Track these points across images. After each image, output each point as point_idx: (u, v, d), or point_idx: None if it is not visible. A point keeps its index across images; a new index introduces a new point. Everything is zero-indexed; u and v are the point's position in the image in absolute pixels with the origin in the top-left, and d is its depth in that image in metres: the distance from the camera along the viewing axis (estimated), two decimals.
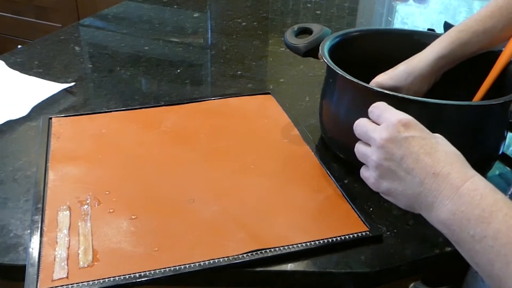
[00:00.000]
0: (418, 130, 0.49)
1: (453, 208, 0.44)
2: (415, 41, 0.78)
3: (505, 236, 0.40)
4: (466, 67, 0.74)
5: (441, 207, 0.45)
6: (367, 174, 0.53)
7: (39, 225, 0.59)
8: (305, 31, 0.79)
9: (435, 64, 0.68)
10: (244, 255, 0.56)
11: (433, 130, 0.63)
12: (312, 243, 0.58)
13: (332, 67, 0.67)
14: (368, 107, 0.66)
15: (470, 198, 0.43)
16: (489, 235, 0.41)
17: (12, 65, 0.98)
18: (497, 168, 0.74)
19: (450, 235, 0.45)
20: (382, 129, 0.50)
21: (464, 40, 0.67)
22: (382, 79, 0.70)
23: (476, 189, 0.44)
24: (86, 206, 0.63)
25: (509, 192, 0.62)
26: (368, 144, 0.52)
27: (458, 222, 0.43)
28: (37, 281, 0.52)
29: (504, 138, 0.68)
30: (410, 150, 0.47)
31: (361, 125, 0.53)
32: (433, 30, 1.10)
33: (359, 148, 0.53)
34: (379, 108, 0.52)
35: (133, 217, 0.61)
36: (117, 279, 0.53)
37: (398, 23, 1.36)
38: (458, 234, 0.43)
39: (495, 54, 0.69)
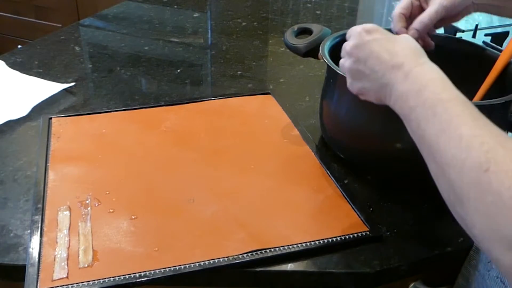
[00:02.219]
0: (379, 33, 0.55)
1: (402, 90, 0.49)
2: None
3: (429, 101, 0.46)
4: (466, 67, 0.74)
5: (395, 92, 0.50)
6: (347, 76, 0.59)
7: (39, 225, 0.59)
8: (305, 31, 0.79)
9: None
10: (244, 255, 0.56)
11: None
12: (312, 243, 0.58)
13: (332, 67, 0.67)
14: (369, 107, 0.67)
15: (414, 78, 0.49)
16: (420, 103, 0.46)
17: (12, 65, 0.98)
18: None
19: (401, 116, 0.50)
20: (350, 39, 0.57)
21: None
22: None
23: (421, 71, 0.49)
24: (86, 206, 0.63)
25: None
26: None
27: (404, 101, 0.49)
28: (37, 281, 0.52)
29: None
30: (372, 50, 0.54)
31: (343, 49, 0.59)
32: None
33: (340, 63, 0.60)
34: (351, 29, 0.59)
35: (133, 217, 0.61)
36: (117, 279, 0.53)
37: None
38: (403, 111, 0.49)
39: (495, 54, 0.69)
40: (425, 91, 0.47)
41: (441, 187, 0.44)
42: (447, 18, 0.69)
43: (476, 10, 0.69)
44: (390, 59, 0.52)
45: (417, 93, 0.47)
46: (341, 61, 0.60)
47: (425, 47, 0.69)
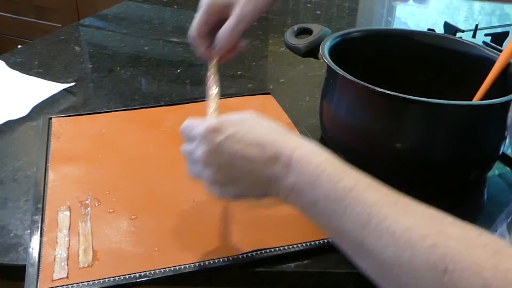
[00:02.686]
0: (228, 128, 0.47)
1: (290, 185, 0.43)
2: (415, 41, 0.79)
3: (332, 193, 0.40)
4: (466, 67, 0.74)
5: (282, 187, 0.44)
6: (212, 190, 0.50)
7: (39, 225, 0.59)
8: (305, 31, 0.79)
9: None
10: (244, 255, 0.56)
11: (433, 130, 0.64)
12: (312, 243, 0.58)
13: (332, 67, 0.67)
14: (369, 107, 0.67)
15: (299, 169, 0.43)
16: (321, 198, 0.41)
17: (12, 65, 0.98)
18: (497, 168, 0.74)
19: (298, 208, 0.44)
20: (198, 146, 0.48)
21: None
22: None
23: (302, 157, 0.43)
24: (86, 206, 0.63)
25: (508, 220, 0.60)
26: (195, 165, 0.50)
27: (297, 194, 0.43)
28: (37, 281, 0.52)
29: (504, 138, 0.68)
30: (232, 151, 0.46)
31: (183, 152, 0.52)
32: (433, 30, 1.11)
33: (190, 172, 0.51)
34: (187, 128, 0.51)
35: (133, 217, 0.61)
36: (117, 279, 0.53)
37: (398, 23, 1.36)
38: (300, 204, 0.43)
39: (495, 54, 0.69)
40: (320, 182, 0.41)
41: None
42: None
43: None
44: (259, 154, 0.45)
45: (311, 186, 0.42)
46: (196, 171, 0.50)
47: (238, 50, 0.66)
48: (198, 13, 0.61)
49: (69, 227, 0.59)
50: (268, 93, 0.90)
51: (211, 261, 0.55)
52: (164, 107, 0.85)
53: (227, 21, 0.60)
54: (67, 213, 0.62)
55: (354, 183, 0.40)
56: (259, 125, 0.48)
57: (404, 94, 0.61)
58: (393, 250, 0.35)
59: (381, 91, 0.62)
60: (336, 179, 0.41)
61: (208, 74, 0.59)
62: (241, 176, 0.46)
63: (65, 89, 0.90)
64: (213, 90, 0.58)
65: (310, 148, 0.44)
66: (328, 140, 0.76)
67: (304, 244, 0.58)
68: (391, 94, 0.61)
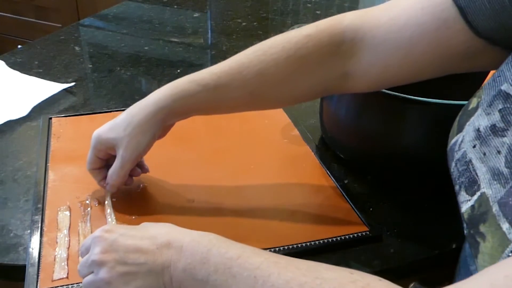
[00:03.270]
0: (121, 228, 0.48)
1: (183, 265, 0.44)
2: None
3: (221, 265, 0.42)
4: None
5: (176, 271, 0.44)
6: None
7: (39, 225, 0.59)
8: None
9: (153, 115, 0.59)
10: None
11: (433, 130, 0.64)
12: (312, 243, 0.58)
13: None
14: (369, 107, 0.67)
15: (191, 249, 0.44)
16: (212, 271, 0.42)
17: (12, 65, 0.98)
18: None
19: None
20: (93, 249, 0.47)
21: (190, 92, 0.59)
22: (102, 131, 0.63)
23: (193, 240, 0.45)
24: (86, 207, 0.63)
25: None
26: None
27: (189, 274, 0.43)
28: (37, 281, 0.52)
29: None
30: (125, 245, 0.46)
31: (80, 270, 0.49)
32: None
33: (83, 273, 0.48)
34: (83, 244, 0.50)
35: (133, 217, 0.61)
36: None
37: None
38: (194, 284, 0.43)
39: None
40: (211, 257, 0.42)
41: None
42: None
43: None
44: (151, 243, 0.46)
45: (202, 262, 0.43)
46: (87, 279, 0.47)
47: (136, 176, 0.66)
48: (90, 148, 0.64)
49: (69, 227, 0.59)
50: None
51: None
52: None
53: (114, 163, 0.62)
54: (67, 213, 0.62)
55: (240, 251, 0.42)
56: (152, 225, 0.49)
57: (404, 94, 0.61)
58: None
59: (381, 91, 0.62)
60: (224, 250, 0.43)
61: (105, 203, 0.63)
62: (135, 271, 0.45)
63: (65, 89, 0.90)
64: (109, 218, 0.61)
65: (199, 233, 0.46)
66: (328, 140, 0.76)
67: (304, 244, 0.58)
68: (391, 94, 0.61)
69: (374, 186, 0.69)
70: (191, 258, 0.43)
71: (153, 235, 0.46)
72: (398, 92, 0.61)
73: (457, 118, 0.47)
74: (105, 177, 0.63)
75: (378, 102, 0.65)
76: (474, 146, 0.42)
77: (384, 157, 0.68)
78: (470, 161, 0.42)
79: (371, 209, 0.64)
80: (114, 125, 0.62)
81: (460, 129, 0.45)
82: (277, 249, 0.57)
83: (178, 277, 0.44)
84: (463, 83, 0.72)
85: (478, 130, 0.42)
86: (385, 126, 0.66)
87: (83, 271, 0.48)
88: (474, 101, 0.45)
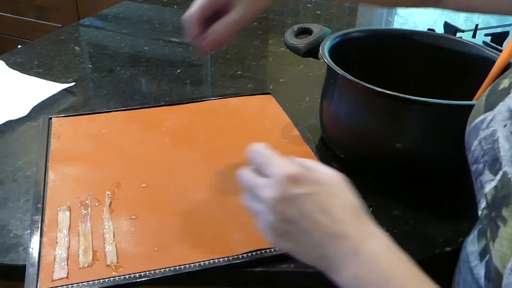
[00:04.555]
0: (310, 184, 0.44)
1: (355, 272, 0.42)
2: (415, 41, 0.79)
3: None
4: (466, 67, 0.74)
5: (344, 270, 0.42)
6: (263, 230, 0.47)
7: (39, 225, 0.59)
8: (305, 31, 0.79)
9: None
10: (244, 255, 0.56)
11: (433, 130, 0.64)
12: None
13: (332, 67, 0.67)
14: (369, 107, 0.67)
15: (368, 261, 0.42)
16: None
17: (12, 65, 0.98)
18: None
19: None
20: (270, 186, 0.45)
21: None
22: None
23: (373, 251, 0.42)
24: (86, 207, 0.63)
25: None
26: (255, 198, 0.47)
27: (363, 285, 0.42)
28: (37, 281, 0.52)
29: None
30: (303, 209, 0.43)
31: (245, 178, 0.48)
32: (433, 30, 1.11)
33: (248, 203, 0.48)
34: (261, 156, 0.47)
35: (133, 217, 0.61)
36: (117, 279, 0.53)
37: (398, 23, 1.36)
38: None
39: (495, 54, 0.69)
40: (389, 286, 0.40)
41: None
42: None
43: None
44: (329, 225, 0.43)
45: (376, 283, 0.41)
46: (256, 207, 0.46)
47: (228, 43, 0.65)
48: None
49: (69, 227, 0.59)
50: (268, 93, 0.90)
51: (211, 261, 0.55)
52: (164, 107, 0.85)
53: (228, 15, 0.60)
54: (67, 213, 0.62)
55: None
56: (340, 197, 0.45)
57: (404, 94, 0.61)
58: None
59: (381, 91, 0.62)
60: (405, 284, 0.40)
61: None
62: (300, 237, 0.44)
63: (65, 89, 0.90)
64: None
65: (381, 242, 0.43)
66: (328, 140, 0.76)
67: None
68: (391, 94, 0.61)
69: (374, 186, 0.69)
70: (365, 271, 0.41)
71: (333, 217, 0.43)
72: (398, 92, 0.61)
73: (483, 98, 0.45)
74: (200, 33, 0.62)
75: (378, 102, 0.65)
76: (504, 126, 0.41)
77: (384, 157, 0.68)
78: (497, 139, 0.41)
79: (371, 209, 0.64)
80: None
81: (489, 108, 0.43)
82: (276, 248, 0.57)
83: (342, 276, 0.43)
84: (463, 83, 0.72)
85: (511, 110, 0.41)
86: (385, 126, 0.66)
87: (245, 186, 0.47)
88: (505, 82, 0.44)
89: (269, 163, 0.46)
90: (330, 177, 0.47)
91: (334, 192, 0.45)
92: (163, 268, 0.54)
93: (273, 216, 0.44)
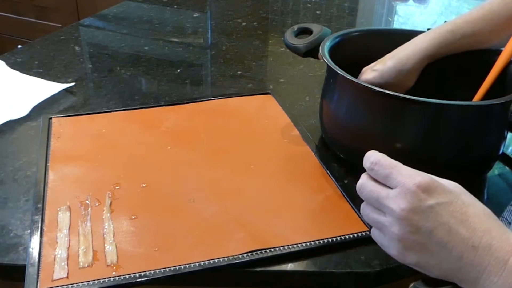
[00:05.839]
0: (441, 194, 0.43)
1: (503, 284, 0.40)
2: None
3: None
4: (465, 67, 0.74)
5: (489, 284, 0.40)
6: (386, 244, 0.46)
7: (39, 225, 0.59)
8: (305, 31, 0.79)
9: (422, 61, 0.69)
10: (244, 255, 0.56)
11: (433, 130, 0.64)
12: (312, 243, 0.58)
13: (332, 67, 0.67)
14: (369, 107, 0.67)
15: None
16: None
17: (12, 65, 0.98)
18: (497, 168, 0.74)
19: None
20: (398, 197, 0.43)
21: (451, 41, 0.68)
22: (372, 77, 0.70)
23: None
24: (86, 207, 0.63)
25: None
26: (378, 210, 0.46)
27: None
28: (37, 281, 0.52)
29: (504, 138, 0.68)
30: (439, 220, 0.42)
31: (368, 190, 0.46)
32: None
33: (369, 214, 0.47)
34: (384, 166, 0.46)
35: (133, 217, 0.61)
36: (117, 279, 0.53)
37: (398, 23, 1.36)
38: None
39: (495, 54, 0.69)
40: None
41: None
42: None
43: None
44: (468, 236, 0.41)
45: None
46: (380, 218, 0.45)
47: None
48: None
49: (69, 227, 0.59)
50: (268, 93, 0.90)
51: (211, 261, 0.55)
52: (164, 107, 0.85)
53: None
54: (67, 213, 0.62)
55: None
56: (474, 205, 0.43)
57: (404, 94, 0.61)
58: None
59: (381, 91, 0.62)
60: None
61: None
62: (435, 250, 0.42)
63: (65, 89, 0.90)
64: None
65: None
66: (328, 140, 0.76)
67: (304, 244, 0.58)
68: (391, 94, 0.61)
69: None
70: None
71: (473, 227, 0.41)
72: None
73: None
74: None
75: (378, 102, 0.65)
76: None
77: None
78: None
79: None
80: (384, 72, 0.70)
81: None
82: (277, 249, 0.57)
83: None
84: (463, 83, 0.72)
85: None
86: (385, 126, 0.66)
87: (366, 196, 0.46)
88: None
89: (394, 172, 0.45)
90: (455, 185, 0.45)
91: (467, 201, 0.43)
92: (163, 268, 0.54)
93: (403, 228, 0.43)
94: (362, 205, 0.48)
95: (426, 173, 0.44)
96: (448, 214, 0.42)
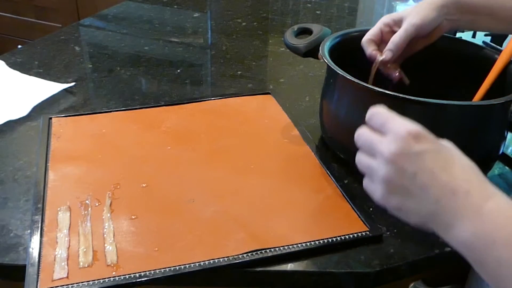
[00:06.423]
0: (430, 142, 0.44)
1: (476, 230, 0.41)
2: None
3: None
4: (466, 67, 0.74)
5: (461, 228, 0.41)
6: (373, 187, 0.48)
7: (39, 225, 0.59)
8: (305, 31, 0.79)
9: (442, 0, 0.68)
10: (244, 255, 0.56)
11: (433, 130, 0.63)
12: (312, 243, 0.58)
13: (332, 67, 0.67)
14: (369, 107, 0.67)
15: (494, 219, 0.40)
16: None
17: (12, 65, 0.98)
18: (497, 168, 0.74)
19: (471, 257, 0.42)
20: (390, 141, 0.45)
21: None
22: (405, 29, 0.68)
23: (499, 209, 0.41)
24: (86, 207, 0.63)
25: None
26: (371, 155, 0.48)
27: (482, 244, 0.40)
28: (37, 281, 0.52)
29: (504, 138, 0.68)
30: (424, 165, 0.43)
31: (363, 136, 0.48)
32: None
33: (362, 160, 0.49)
34: (381, 116, 0.47)
35: (133, 217, 0.61)
36: (117, 279, 0.53)
37: None
38: (480, 256, 0.41)
39: (495, 54, 0.69)
40: None
41: None
42: (420, 37, 0.68)
43: (451, 28, 0.69)
44: (449, 181, 0.42)
45: (506, 241, 0.39)
46: (370, 162, 0.47)
47: (401, 82, 0.71)
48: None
49: (69, 227, 0.59)
50: (268, 93, 0.90)
51: (211, 261, 0.55)
52: (164, 107, 0.85)
53: (397, 31, 0.67)
54: (67, 213, 0.62)
55: None
56: (459, 157, 0.45)
57: (404, 94, 0.61)
58: None
59: (381, 91, 0.62)
60: None
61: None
62: (416, 192, 0.44)
63: (65, 89, 0.90)
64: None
65: (506, 201, 0.42)
66: (328, 140, 0.76)
67: (304, 244, 0.58)
68: (391, 94, 0.61)
69: None
70: (491, 228, 0.40)
71: (454, 174, 0.43)
72: (398, 92, 0.61)
73: None
74: (376, 48, 0.69)
75: (378, 102, 0.65)
76: None
77: None
78: None
79: (371, 209, 0.64)
80: (405, 9, 0.69)
81: None
82: (276, 248, 0.57)
83: (457, 234, 0.41)
84: (463, 83, 0.72)
85: None
86: None
87: (362, 143, 0.48)
88: None
89: (388, 120, 0.46)
90: (447, 141, 0.47)
91: (455, 153, 0.45)
92: (163, 268, 0.54)
93: (390, 170, 0.44)
94: (357, 153, 0.50)
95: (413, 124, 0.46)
96: (433, 161, 0.43)
